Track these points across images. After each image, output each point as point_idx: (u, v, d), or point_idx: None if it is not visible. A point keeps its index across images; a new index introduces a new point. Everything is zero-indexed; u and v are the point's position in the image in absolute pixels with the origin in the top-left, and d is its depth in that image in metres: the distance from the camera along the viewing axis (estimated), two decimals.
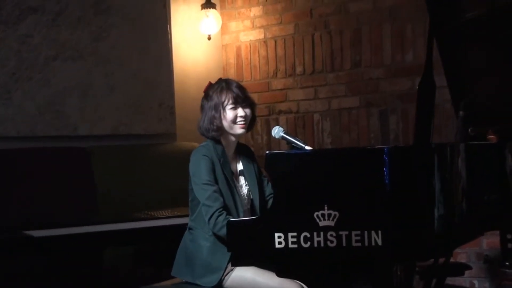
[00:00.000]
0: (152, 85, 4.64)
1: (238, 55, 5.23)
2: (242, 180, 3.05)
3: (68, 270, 3.51)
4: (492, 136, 2.92)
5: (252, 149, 3.36)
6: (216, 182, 2.92)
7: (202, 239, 2.93)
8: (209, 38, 5.02)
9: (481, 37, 2.91)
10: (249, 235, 2.42)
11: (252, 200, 3.04)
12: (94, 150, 4.11)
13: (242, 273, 2.83)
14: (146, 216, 3.63)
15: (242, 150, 3.14)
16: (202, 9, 4.96)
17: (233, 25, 5.24)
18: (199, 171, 2.92)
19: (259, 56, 5.13)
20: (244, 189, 3.03)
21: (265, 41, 5.10)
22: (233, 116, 2.96)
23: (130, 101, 4.51)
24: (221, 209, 2.85)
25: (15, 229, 3.23)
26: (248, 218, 2.69)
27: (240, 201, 2.97)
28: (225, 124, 2.97)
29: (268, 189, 3.12)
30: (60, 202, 3.74)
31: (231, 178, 2.98)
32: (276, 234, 2.35)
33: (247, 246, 2.44)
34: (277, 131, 2.95)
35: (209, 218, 2.84)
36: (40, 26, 4.07)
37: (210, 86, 3.05)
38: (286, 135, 2.93)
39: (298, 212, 2.35)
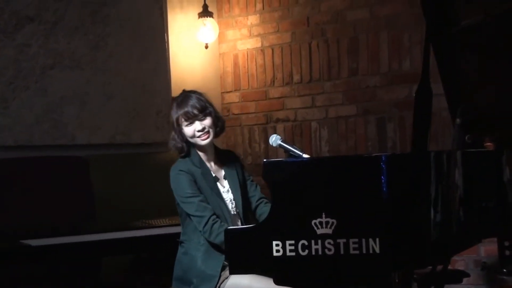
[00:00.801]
0: (149, 94, 4.64)
1: (236, 64, 5.24)
2: (227, 185, 3.05)
3: (66, 279, 3.50)
4: (489, 144, 2.93)
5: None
6: (201, 192, 2.92)
7: (193, 250, 2.93)
8: (206, 47, 5.03)
9: (478, 45, 2.92)
10: (246, 243, 2.42)
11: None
12: (92, 158, 4.10)
13: (239, 280, 2.82)
14: (144, 224, 3.63)
15: (226, 155, 3.14)
16: (199, 17, 4.97)
17: (230, 33, 5.25)
18: (180, 187, 2.92)
19: (256, 65, 5.14)
20: (230, 194, 3.03)
21: (262, 50, 5.11)
22: (191, 133, 2.94)
23: (127, 109, 4.51)
24: (214, 216, 2.86)
25: (13, 238, 3.23)
26: (245, 226, 2.69)
27: (225, 206, 2.97)
28: (188, 139, 2.96)
29: (258, 194, 3.12)
30: (58, 211, 3.73)
31: (214, 185, 2.98)
32: (274, 242, 2.35)
33: (244, 254, 2.43)
34: (274, 139, 2.94)
35: (204, 227, 2.84)
36: (38, 35, 4.08)
37: (172, 101, 3.03)
38: (284, 143, 2.93)
39: (296, 220, 2.35)
